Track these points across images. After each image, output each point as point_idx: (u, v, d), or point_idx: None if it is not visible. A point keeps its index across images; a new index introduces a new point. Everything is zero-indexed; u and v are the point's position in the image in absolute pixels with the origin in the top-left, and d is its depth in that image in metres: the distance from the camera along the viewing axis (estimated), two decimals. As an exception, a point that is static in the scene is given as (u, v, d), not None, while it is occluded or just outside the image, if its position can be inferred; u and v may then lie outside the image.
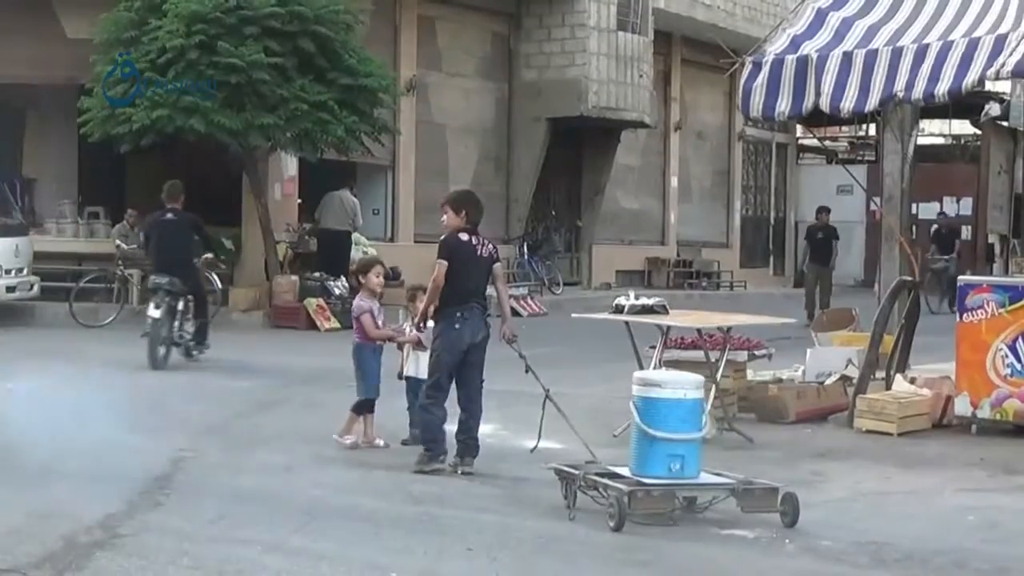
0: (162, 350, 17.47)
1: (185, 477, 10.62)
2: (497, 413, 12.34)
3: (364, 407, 12.16)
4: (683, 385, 9.43)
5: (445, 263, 11.05)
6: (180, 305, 17.91)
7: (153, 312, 17.48)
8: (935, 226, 34.12)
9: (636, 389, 9.48)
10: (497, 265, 11.31)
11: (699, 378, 9.70)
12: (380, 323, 12.26)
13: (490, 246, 11.32)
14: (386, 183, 29.51)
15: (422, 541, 8.69)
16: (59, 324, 22.90)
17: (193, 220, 18.50)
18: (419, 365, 11.94)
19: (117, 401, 14.54)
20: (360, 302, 12.31)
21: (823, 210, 28.76)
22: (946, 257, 31.94)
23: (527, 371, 11.17)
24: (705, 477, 9.49)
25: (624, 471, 9.47)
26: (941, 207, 39.19)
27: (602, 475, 9.47)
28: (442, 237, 11.41)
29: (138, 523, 9.01)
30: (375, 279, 12.38)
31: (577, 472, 9.56)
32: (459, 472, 10.90)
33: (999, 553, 8.79)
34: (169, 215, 18.29)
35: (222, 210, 26.03)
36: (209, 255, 19.20)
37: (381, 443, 12.15)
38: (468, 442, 11.05)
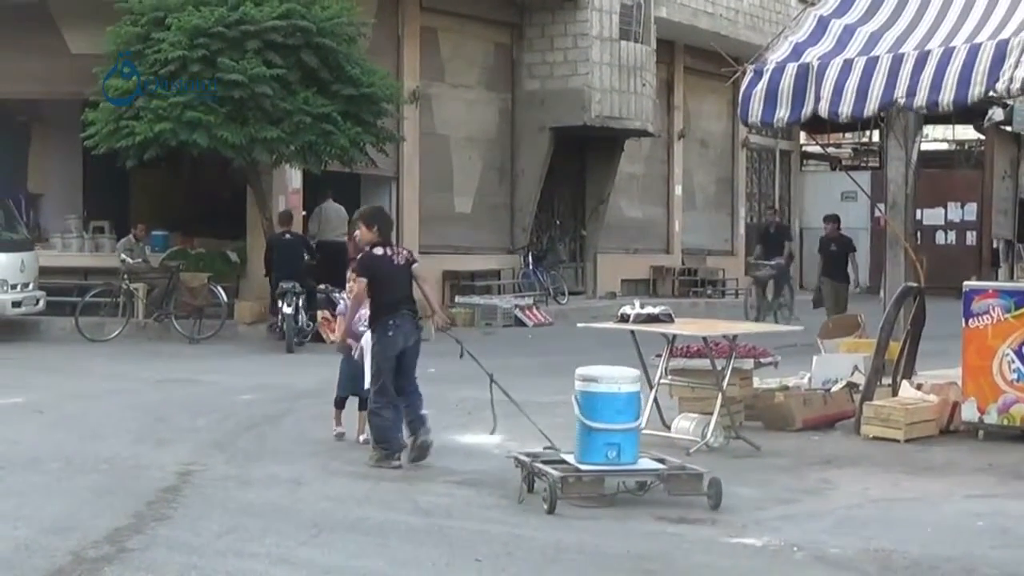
0: (295, 337, 21.99)
1: (192, 490, 10.63)
2: (503, 423, 12.33)
3: (337, 403, 13.24)
4: (618, 380, 10.18)
5: (364, 280, 11.87)
6: (301, 302, 22.45)
7: (287, 309, 22.07)
8: (765, 223, 29.55)
9: (577, 384, 10.24)
10: (415, 266, 12.12)
11: (635, 372, 10.46)
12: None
13: (405, 252, 12.29)
14: (390, 194, 29.46)
15: (430, 553, 8.69)
16: (65, 339, 22.94)
17: (303, 239, 24.04)
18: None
19: (124, 415, 14.58)
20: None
21: (830, 219, 25.62)
22: (771, 263, 27.44)
23: (461, 356, 11.81)
24: (643, 463, 10.25)
25: (571, 458, 10.23)
26: (945, 213, 39.21)
27: (549, 462, 10.20)
28: (358, 256, 12.22)
29: (146, 537, 9.02)
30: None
31: (528, 460, 10.33)
32: (419, 441, 11.76)
33: (1008, 559, 8.78)
34: (287, 236, 23.35)
35: (227, 223, 26.10)
36: (314, 261, 23.73)
37: (361, 439, 12.75)
38: (418, 419, 11.88)
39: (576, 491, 9.94)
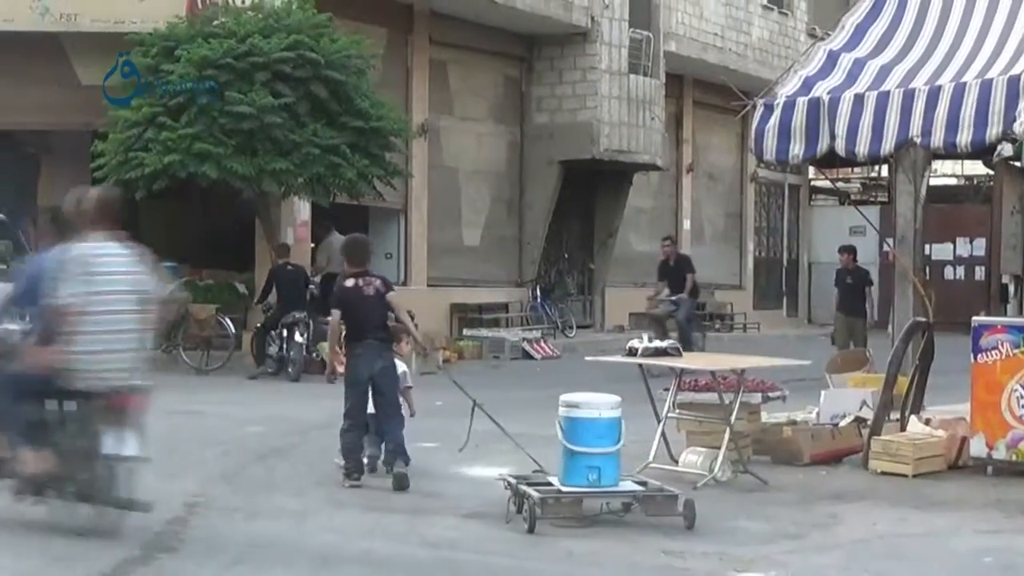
0: (290, 368, 22.29)
1: (199, 522, 10.60)
2: (513, 457, 12.30)
3: None
4: (599, 406, 10.69)
5: (336, 312, 12.58)
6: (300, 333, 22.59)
7: (299, 338, 22.29)
8: (661, 256, 27.09)
9: (561, 410, 10.73)
10: (390, 295, 12.52)
11: (615, 399, 10.79)
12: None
13: (376, 282, 12.55)
14: (399, 227, 29.53)
15: (437, 586, 8.67)
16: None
17: (302, 269, 23.98)
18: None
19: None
20: None
21: (845, 249, 24.41)
22: (673, 298, 25.68)
23: (454, 381, 12.57)
24: (623, 485, 10.68)
25: (556, 480, 10.72)
26: (954, 248, 39.16)
27: (534, 484, 10.68)
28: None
29: (153, 569, 9.00)
30: None
31: (515, 482, 10.81)
32: (394, 472, 12.16)
33: (1017, 595, 8.76)
34: (290, 267, 23.34)
35: (235, 255, 26.11)
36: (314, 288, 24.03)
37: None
38: (395, 451, 12.37)
39: (556, 511, 10.38)
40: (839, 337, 23.28)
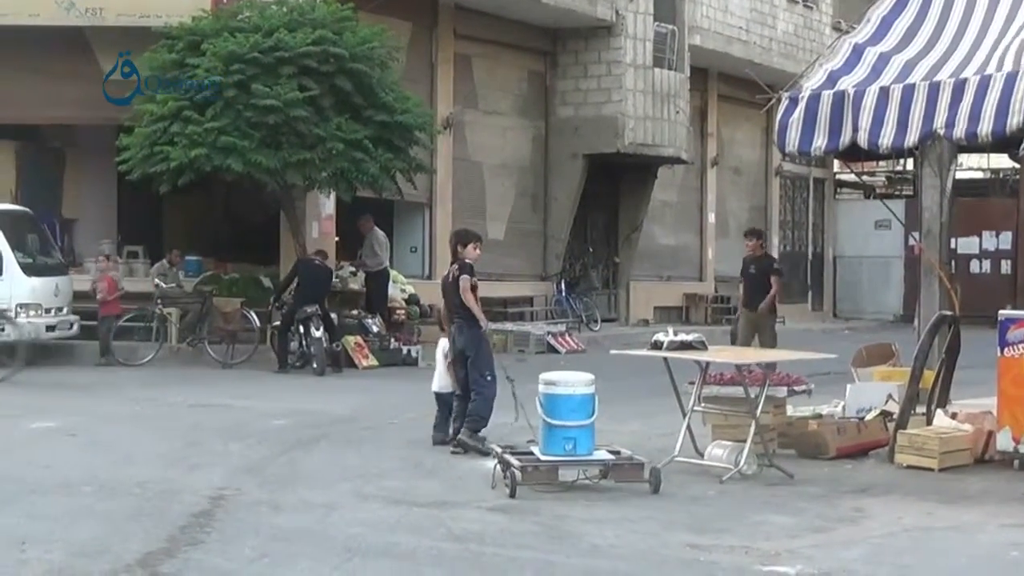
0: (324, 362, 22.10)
1: (225, 515, 10.62)
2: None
3: None
4: (574, 383, 11.70)
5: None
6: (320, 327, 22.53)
7: (316, 333, 22.16)
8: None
9: (541, 388, 11.73)
10: (461, 279, 13.72)
11: (589, 376, 11.78)
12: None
13: (454, 268, 13.86)
14: (423, 221, 29.57)
15: (462, 579, 8.67)
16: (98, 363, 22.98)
17: (329, 270, 23.74)
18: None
19: (156, 439, 14.59)
20: None
21: (750, 234, 21.66)
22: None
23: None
24: (597, 455, 11.68)
25: (538, 451, 11.79)
26: (980, 241, 39.07)
27: (518, 454, 11.80)
28: None
29: (179, 561, 9.01)
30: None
31: (501, 451, 11.88)
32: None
33: (1044, 589, 8.73)
34: (316, 261, 23.18)
35: (260, 248, 26.15)
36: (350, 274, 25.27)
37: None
38: (467, 422, 13.69)
39: (534, 479, 11.45)
40: (741, 336, 20.64)
